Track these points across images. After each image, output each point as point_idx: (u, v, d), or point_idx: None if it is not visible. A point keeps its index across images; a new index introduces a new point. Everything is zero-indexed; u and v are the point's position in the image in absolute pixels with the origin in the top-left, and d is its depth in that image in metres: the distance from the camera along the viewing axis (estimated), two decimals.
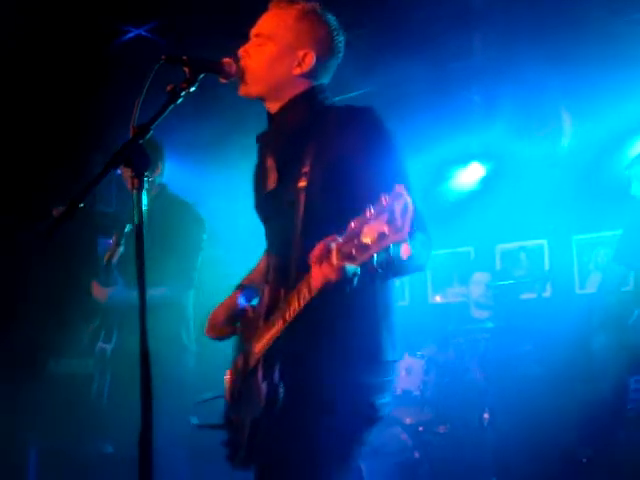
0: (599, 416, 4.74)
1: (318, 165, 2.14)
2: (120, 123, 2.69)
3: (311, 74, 2.29)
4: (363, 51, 4.54)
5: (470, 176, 6.44)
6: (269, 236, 2.39)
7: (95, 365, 4.18)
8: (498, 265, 6.48)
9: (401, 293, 6.80)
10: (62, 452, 4.61)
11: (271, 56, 2.26)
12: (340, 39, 2.33)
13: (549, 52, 5.06)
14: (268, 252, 2.42)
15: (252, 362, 2.22)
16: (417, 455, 4.85)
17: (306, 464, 2.12)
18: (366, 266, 1.67)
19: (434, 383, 5.10)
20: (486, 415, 4.86)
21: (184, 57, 2.11)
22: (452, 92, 5.76)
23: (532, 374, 5.12)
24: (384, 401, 2.20)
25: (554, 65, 5.17)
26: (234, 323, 2.47)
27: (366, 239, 1.61)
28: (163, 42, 5.17)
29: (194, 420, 2.48)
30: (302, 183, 2.14)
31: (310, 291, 1.88)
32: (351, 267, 1.69)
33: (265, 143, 2.39)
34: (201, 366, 4.15)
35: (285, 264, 2.15)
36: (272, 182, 2.30)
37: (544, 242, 6.31)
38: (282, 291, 2.08)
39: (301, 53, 2.27)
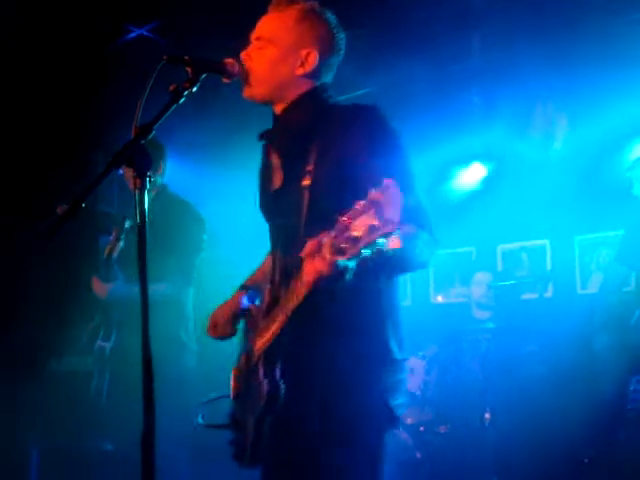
0: (600, 416, 4.74)
1: (322, 163, 2.13)
2: (121, 123, 2.70)
3: (314, 73, 2.29)
4: (363, 51, 4.52)
5: (472, 176, 6.43)
6: (274, 236, 2.38)
7: (94, 363, 4.19)
8: (500, 265, 6.47)
9: (403, 293, 6.79)
10: (63, 450, 4.61)
11: (273, 59, 2.26)
12: (341, 36, 2.33)
13: (549, 52, 5.06)
14: (273, 252, 2.40)
15: (254, 359, 2.21)
16: (418, 455, 4.85)
17: (310, 466, 2.10)
18: (357, 260, 1.66)
19: (435, 383, 5.11)
20: (487, 415, 4.85)
21: (186, 57, 2.10)
22: (452, 92, 5.75)
23: (534, 374, 5.11)
24: (398, 402, 2.17)
25: (554, 65, 5.17)
26: (236, 324, 2.47)
27: (356, 232, 1.61)
28: (163, 42, 5.17)
29: (200, 420, 2.47)
30: (306, 182, 2.13)
31: (303, 286, 1.87)
32: (342, 261, 1.69)
33: (270, 142, 2.38)
34: (203, 366, 4.16)
35: (289, 263, 2.13)
36: (278, 181, 2.30)
37: (546, 242, 6.29)
38: (283, 290, 2.08)
39: (304, 53, 2.26)
